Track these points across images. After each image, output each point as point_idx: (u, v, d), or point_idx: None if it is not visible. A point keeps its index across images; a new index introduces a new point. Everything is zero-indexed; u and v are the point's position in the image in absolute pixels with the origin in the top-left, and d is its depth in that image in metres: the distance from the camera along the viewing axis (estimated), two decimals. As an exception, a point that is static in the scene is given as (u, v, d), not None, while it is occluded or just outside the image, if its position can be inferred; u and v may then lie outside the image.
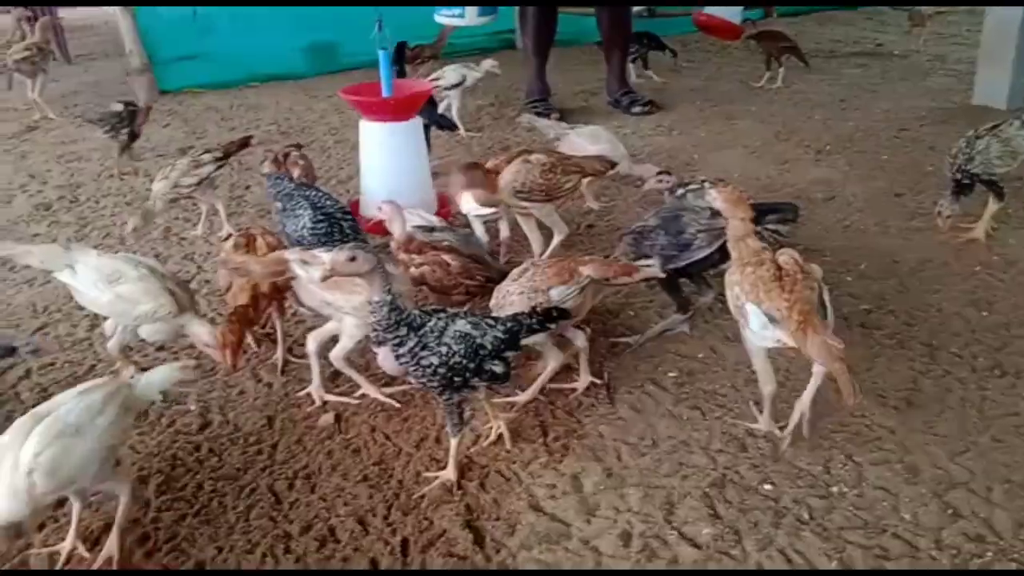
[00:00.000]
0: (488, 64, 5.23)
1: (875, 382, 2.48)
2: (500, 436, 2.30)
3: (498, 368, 2.08)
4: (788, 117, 5.35)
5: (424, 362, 2.02)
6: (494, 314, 2.36)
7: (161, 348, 2.84)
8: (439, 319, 2.05)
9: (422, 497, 2.11)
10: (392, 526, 2.03)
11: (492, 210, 3.18)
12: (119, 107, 4.73)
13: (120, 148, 4.79)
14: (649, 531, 1.96)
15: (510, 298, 2.39)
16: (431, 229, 2.81)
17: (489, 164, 3.12)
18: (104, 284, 2.36)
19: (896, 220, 3.63)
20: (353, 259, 1.99)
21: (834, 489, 2.06)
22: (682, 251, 2.64)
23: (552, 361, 2.44)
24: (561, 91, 6.06)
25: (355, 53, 7.15)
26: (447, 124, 4.86)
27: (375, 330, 2.03)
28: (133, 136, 4.81)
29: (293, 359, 2.74)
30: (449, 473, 2.16)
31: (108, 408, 1.88)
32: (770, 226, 2.73)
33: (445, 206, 3.67)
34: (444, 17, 5.13)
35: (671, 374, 2.59)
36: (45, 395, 2.54)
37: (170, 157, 4.76)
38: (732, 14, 5.92)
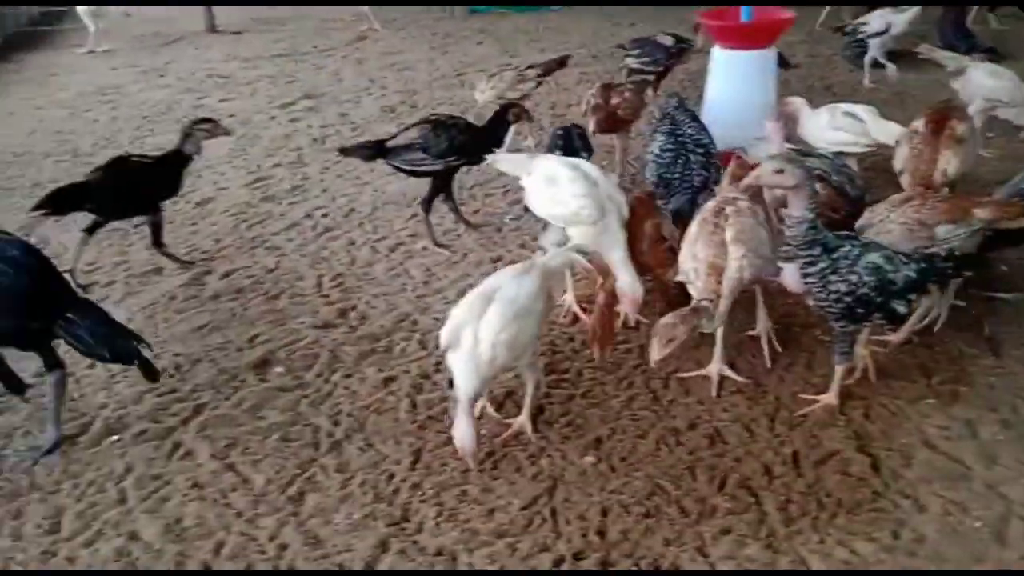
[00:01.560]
0: (911, 11, 4.77)
1: None
2: (866, 368, 2.28)
3: (901, 308, 2.05)
4: None
5: (832, 287, 2.02)
6: (863, 235, 2.29)
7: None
8: (853, 246, 2.04)
9: (805, 416, 2.16)
10: (779, 437, 2.10)
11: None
12: (668, 41, 4.30)
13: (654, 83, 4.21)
14: (1062, 491, 1.89)
15: (888, 225, 2.29)
16: (807, 155, 2.78)
17: None
18: (544, 185, 2.50)
19: None
20: (780, 171, 2.04)
21: None
22: None
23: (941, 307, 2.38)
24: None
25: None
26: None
27: (788, 245, 2.07)
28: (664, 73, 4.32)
29: None
30: (831, 397, 2.19)
31: (543, 292, 2.08)
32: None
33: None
34: None
35: (1061, 338, 2.43)
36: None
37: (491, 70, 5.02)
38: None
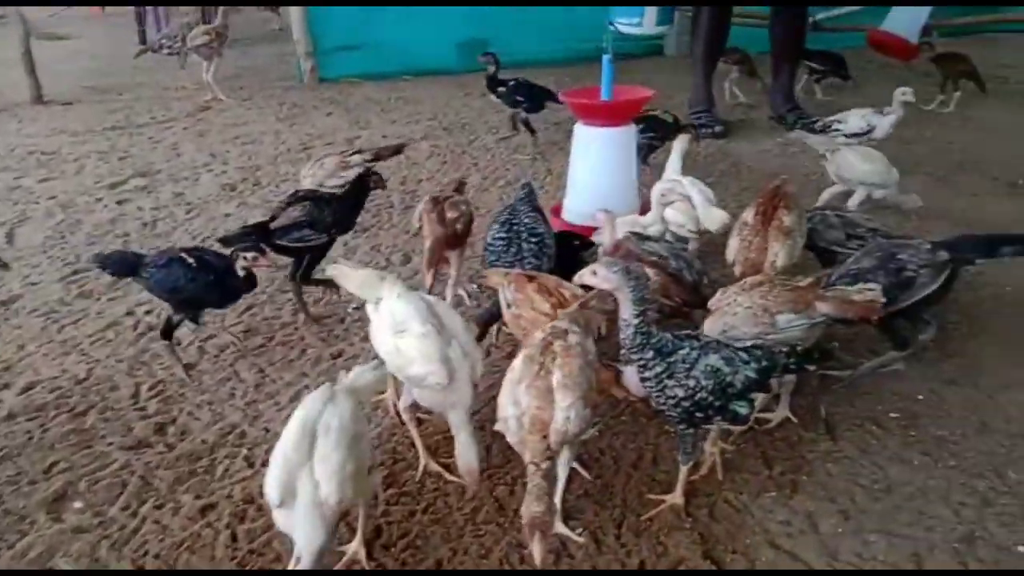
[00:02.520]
0: (896, 112, 4.20)
1: (1125, 444, 2.32)
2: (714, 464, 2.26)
3: (742, 410, 2.00)
4: (968, 145, 5.11)
5: (669, 392, 1.97)
6: (711, 319, 2.30)
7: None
8: (692, 348, 1.99)
9: (651, 520, 2.09)
10: (626, 547, 2.01)
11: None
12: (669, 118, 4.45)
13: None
14: (900, 583, 1.89)
15: (735, 308, 2.29)
16: (646, 238, 2.79)
17: None
18: (390, 332, 2.15)
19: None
20: (594, 274, 2.00)
21: (1098, 560, 1.94)
22: (903, 291, 2.53)
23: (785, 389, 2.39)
24: (719, 103, 5.95)
25: (508, 52, 7.24)
26: None
27: (622, 349, 2.02)
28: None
29: None
30: (677, 498, 2.13)
31: (360, 412, 1.90)
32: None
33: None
34: (621, 25, 5.10)
35: (892, 414, 2.49)
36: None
37: (337, 147, 4.90)
38: (910, 32, 5.68)
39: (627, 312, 1.95)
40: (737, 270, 2.74)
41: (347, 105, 6.42)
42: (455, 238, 2.95)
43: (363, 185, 3.23)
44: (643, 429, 2.45)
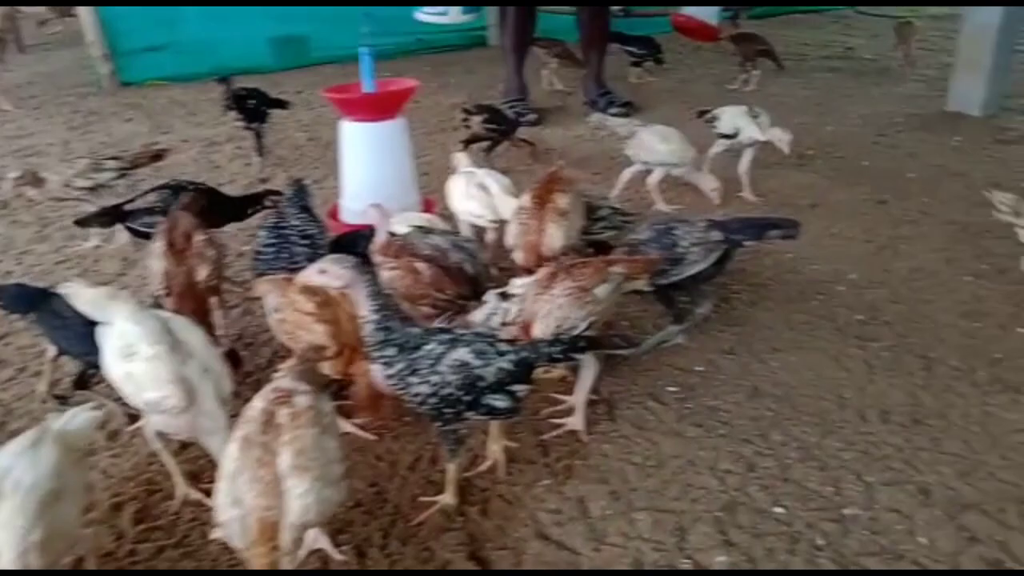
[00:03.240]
0: (778, 134, 3.80)
1: (877, 397, 2.44)
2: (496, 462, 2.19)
3: (500, 403, 1.92)
4: (766, 120, 5.32)
5: (413, 389, 1.89)
6: (539, 323, 2.18)
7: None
8: (439, 343, 1.91)
9: (421, 524, 2.01)
10: (391, 557, 1.92)
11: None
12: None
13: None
14: (662, 559, 1.89)
15: (557, 300, 2.20)
16: (429, 231, 2.70)
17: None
18: (120, 357, 1.95)
19: (883, 228, 3.61)
20: (323, 272, 1.90)
21: (847, 511, 2.00)
22: (674, 265, 2.57)
23: (587, 372, 2.34)
24: (535, 91, 5.97)
25: (325, 47, 7.02)
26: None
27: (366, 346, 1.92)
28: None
29: None
30: (448, 498, 2.06)
31: (72, 464, 1.69)
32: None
33: (431, 208, 3.56)
34: (426, 15, 5.00)
35: (670, 388, 2.52)
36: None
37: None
38: (709, 15, 5.89)
39: (364, 308, 1.86)
40: (518, 255, 2.70)
41: (150, 110, 6.01)
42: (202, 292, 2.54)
43: (256, 200, 3.16)
44: (425, 428, 2.35)
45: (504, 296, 2.28)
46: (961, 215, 3.70)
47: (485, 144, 4.43)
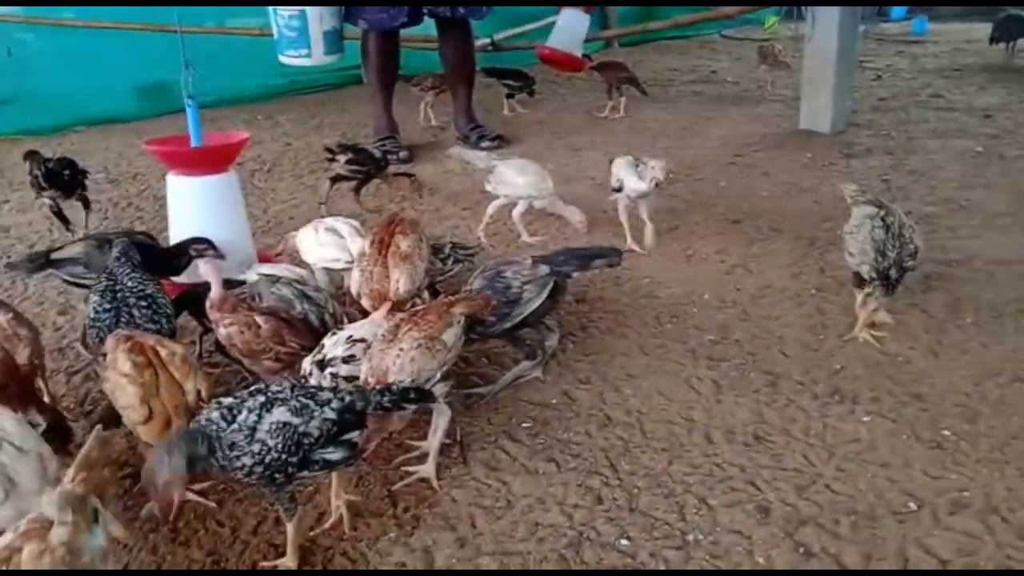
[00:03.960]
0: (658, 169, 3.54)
1: (724, 418, 2.49)
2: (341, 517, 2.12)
3: (334, 455, 1.85)
4: (631, 147, 5.42)
5: (237, 463, 1.78)
6: (392, 378, 2.11)
7: None
8: (251, 410, 1.80)
9: (259, 593, 1.92)
10: (224, 632, 1.83)
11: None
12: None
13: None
14: (505, 605, 1.86)
15: (409, 355, 2.14)
16: (276, 281, 2.63)
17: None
18: None
19: (736, 247, 3.73)
20: None
21: (690, 537, 2.02)
22: (513, 307, 2.58)
23: (441, 419, 2.28)
24: (408, 127, 5.97)
25: (197, 92, 6.81)
26: None
27: None
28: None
29: None
30: (288, 561, 1.97)
31: None
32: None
33: (268, 261, 3.44)
34: (288, 58, 4.92)
35: (524, 424, 2.50)
36: None
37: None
38: (573, 47, 6.03)
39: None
40: (365, 303, 2.65)
41: (1, 166, 5.70)
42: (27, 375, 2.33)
43: (182, 251, 3.05)
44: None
45: (320, 366, 2.24)
46: (809, 230, 3.86)
47: (353, 184, 4.38)
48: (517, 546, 2.02)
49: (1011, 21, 7.69)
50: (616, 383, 2.70)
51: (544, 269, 2.60)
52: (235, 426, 1.78)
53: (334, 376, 2.23)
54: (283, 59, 5.04)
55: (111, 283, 2.55)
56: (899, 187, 4.45)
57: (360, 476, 2.28)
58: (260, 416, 1.80)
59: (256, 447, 1.77)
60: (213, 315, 2.45)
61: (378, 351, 2.18)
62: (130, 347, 2.11)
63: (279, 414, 1.81)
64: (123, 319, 2.46)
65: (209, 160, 3.33)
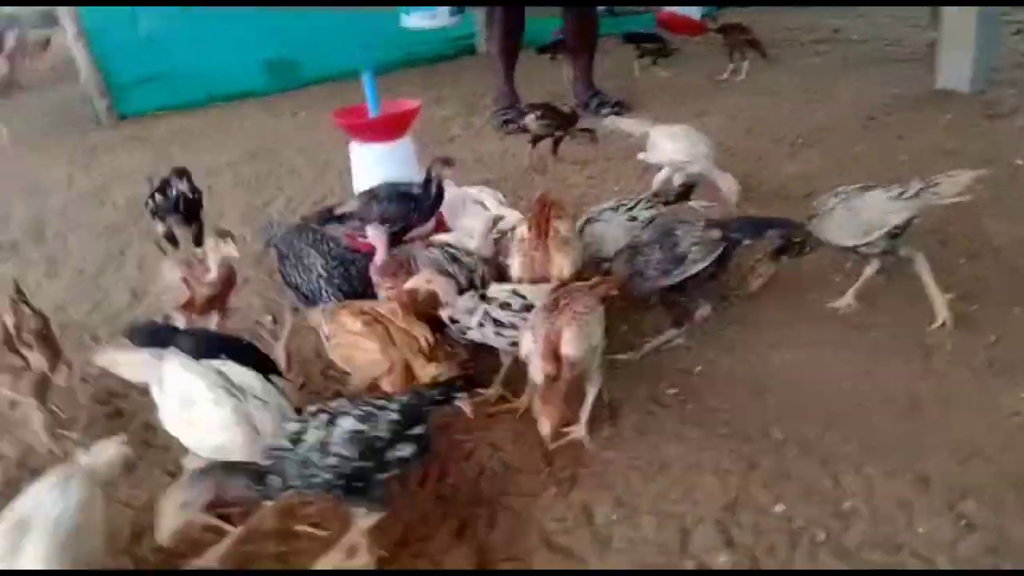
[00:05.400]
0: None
1: (877, 387, 2.47)
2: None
3: (407, 451, 1.89)
4: (757, 110, 5.36)
5: (316, 482, 1.84)
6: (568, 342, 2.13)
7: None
8: (316, 428, 1.86)
9: (431, 539, 2.06)
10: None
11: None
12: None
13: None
14: (667, 562, 1.93)
15: (583, 319, 2.19)
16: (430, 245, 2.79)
17: None
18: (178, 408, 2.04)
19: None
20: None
21: (847, 505, 2.04)
22: (677, 265, 2.60)
23: (591, 385, 2.36)
24: (526, 96, 6.00)
25: (316, 67, 7.07)
26: None
27: None
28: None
29: None
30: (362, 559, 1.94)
31: (96, 499, 1.78)
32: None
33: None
34: (416, 19, 5.03)
35: (671, 391, 2.56)
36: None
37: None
38: (691, 11, 5.92)
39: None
40: (527, 290, 2.70)
41: (150, 140, 6.09)
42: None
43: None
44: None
45: (484, 298, 2.35)
46: (953, 196, 3.71)
47: (551, 142, 4.52)
48: (673, 507, 2.09)
49: None
50: (762, 352, 2.71)
51: (716, 233, 2.60)
52: (305, 446, 1.85)
53: (486, 315, 2.35)
54: (408, 22, 5.15)
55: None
56: (1050, 149, 4.21)
57: (516, 435, 2.38)
58: (328, 431, 1.86)
59: (332, 460, 1.83)
60: (376, 279, 2.59)
61: (543, 319, 2.23)
62: (350, 311, 2.30)
63: (347, 424, 1.87)
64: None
65: (389, 128, 3.53)
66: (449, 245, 2.85)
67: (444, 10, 5.06)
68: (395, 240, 2.91)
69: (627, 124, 4.10)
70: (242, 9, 6.58)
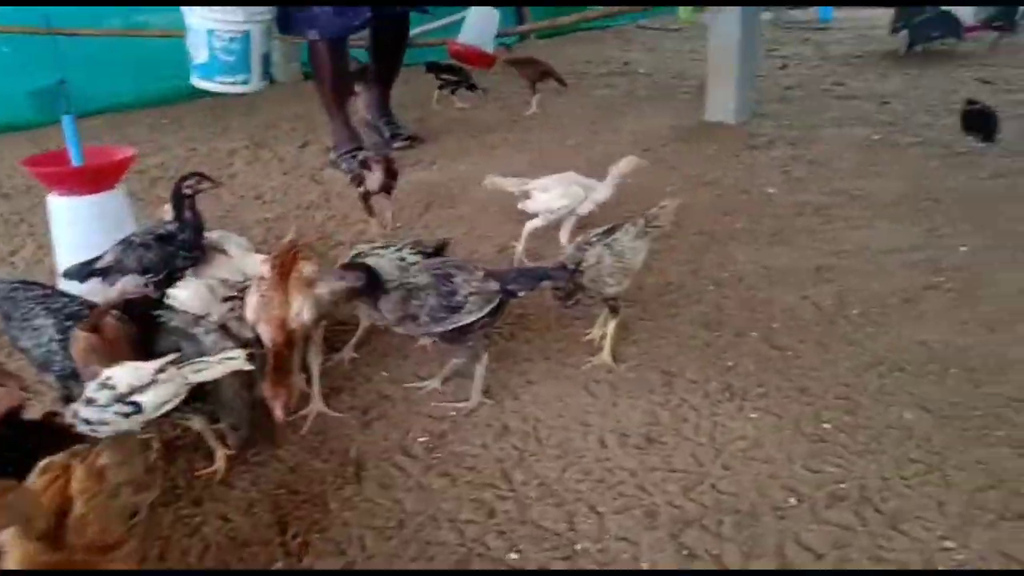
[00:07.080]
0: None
1: (618, 421, 2.53)
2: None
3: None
4: (544, 143, 5.50)
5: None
6: None
7: None
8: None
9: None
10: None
11: None
12: None
13: None
14: (392, 629, 1.85)
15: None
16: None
17: None
18: None
19: (640, 245, 3.77)
20: None
21: (578, 547, 2.04)
22: (451, 314, 2.54)
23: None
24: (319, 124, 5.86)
25: (91, 96, 6.57)
26: None
27: None
28: None
29: None
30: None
31: None
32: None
33: None
34: (222, 84, 4.46)
35: (422, 439, 2.50)
36: None
37: None
38: (484, 43, 5.99)
39: None
40: (264, 330, 2.54)
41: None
42: None
43: None
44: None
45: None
46: (709, 224, 3.94)
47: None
48: (406, 565, 2.02)
49: (927, 24, 7.57)
50: (516, 390, 2.71)
51: (494, 285, 2.57)
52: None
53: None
54: (212, 85, 4.48)
55: None
56: (798, 178, 4.57)
57: (249, 504, 2.24)
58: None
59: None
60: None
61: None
62: None
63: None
64: None
65: (93, 178, 3.20)
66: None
67: (258, 74, 4.53)
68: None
69: (505, 183, 3.98)
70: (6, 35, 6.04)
